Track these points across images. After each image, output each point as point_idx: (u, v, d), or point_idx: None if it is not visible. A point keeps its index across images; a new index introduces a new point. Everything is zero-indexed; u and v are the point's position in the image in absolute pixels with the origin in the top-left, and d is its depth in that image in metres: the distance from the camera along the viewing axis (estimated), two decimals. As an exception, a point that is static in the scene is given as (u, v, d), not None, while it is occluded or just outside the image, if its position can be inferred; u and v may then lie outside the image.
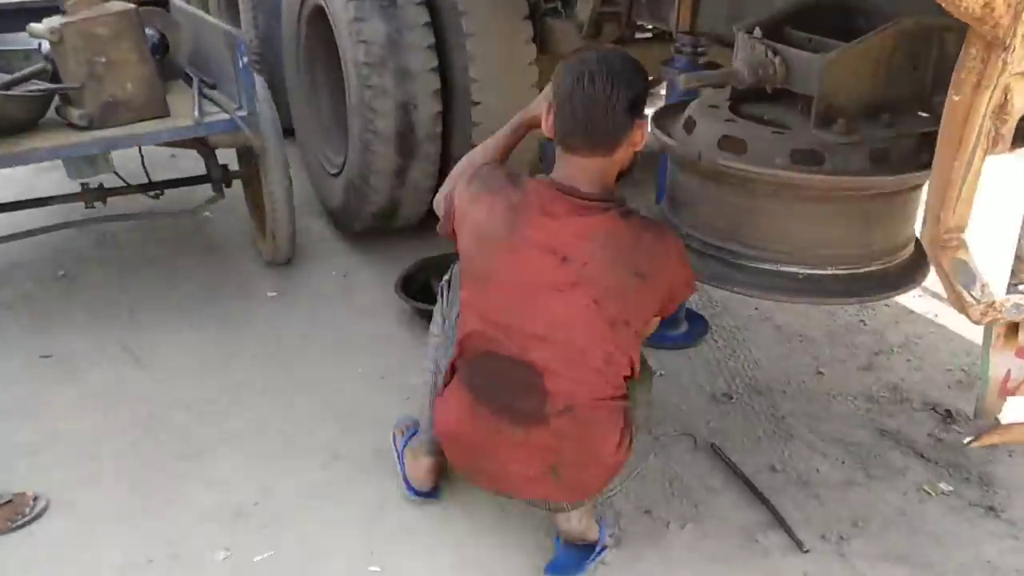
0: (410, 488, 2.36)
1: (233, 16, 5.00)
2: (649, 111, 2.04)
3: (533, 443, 1.95)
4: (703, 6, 2.80)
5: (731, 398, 2.82)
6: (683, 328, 3.16)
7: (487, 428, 1.99)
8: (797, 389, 2.88)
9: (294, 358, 3.04)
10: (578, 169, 1.91)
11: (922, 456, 2.56)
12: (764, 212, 2.04)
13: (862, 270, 2.07)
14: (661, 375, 2.92)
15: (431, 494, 2.37)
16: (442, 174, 3.45)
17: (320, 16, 3.58)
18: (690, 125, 2.16)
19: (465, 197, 2.03)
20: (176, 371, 2.96)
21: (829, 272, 2.06)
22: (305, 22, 3.78)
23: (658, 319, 2.05)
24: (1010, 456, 2.57)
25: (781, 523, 2.28)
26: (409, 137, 3.30)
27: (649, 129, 2.01)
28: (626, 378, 1.97)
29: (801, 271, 2.06)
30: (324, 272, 3.63)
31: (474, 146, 2.48)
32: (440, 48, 3.29)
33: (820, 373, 2.97)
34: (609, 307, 1.88)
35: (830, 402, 2.81)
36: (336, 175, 3.72)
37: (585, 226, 1.88)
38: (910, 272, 2.12)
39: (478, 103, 3.29)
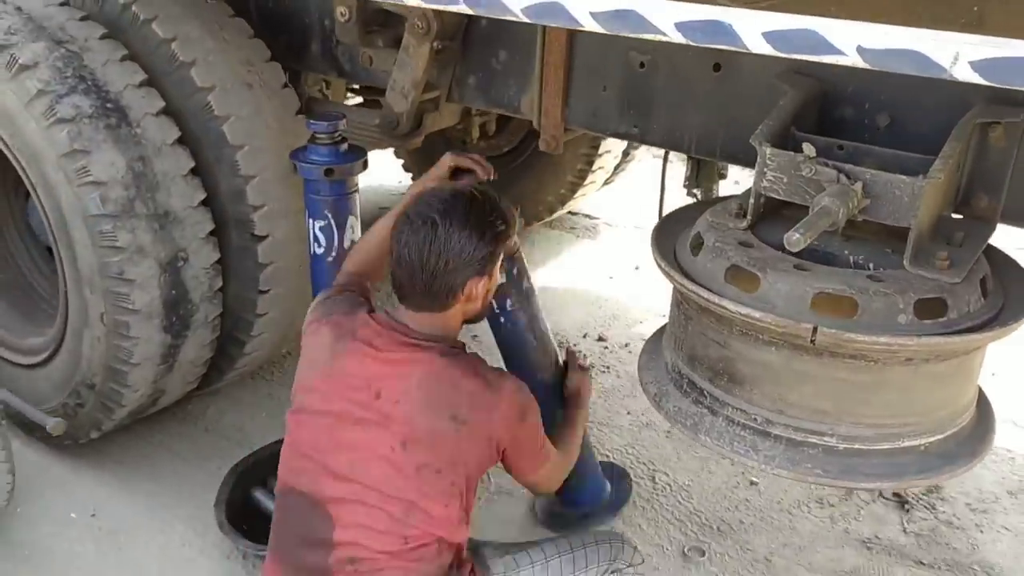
0: None
1: None
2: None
3: None
4: (577, 91, 2.24)
5: (703, 553, 2.34)
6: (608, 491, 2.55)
7: None
8: (748, 512, 2.50)
9: None
10: (413, 316, 1.78)
11: (921, 563, 2.34)
12: (888, 384, 1.57)
13: (966, 422, 1.72)
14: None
15: None
16: (222, 337, 2.48)
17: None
18: (746, 279, 1.62)
19: (305, 323, 1.89)
20: None
21: (949, 434, 1.67)
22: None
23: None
24: (981, 532, 2.46)
25: None
26: (182, 305, 2.27)
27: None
28: (444, 543, 1.75)
29: (922, 442, 1.64)
30: (58, 518, 2.41)
31: (263, 292, 2.38)
32: (199, 171, 2.30)
33: (754, 483, 2.62)
34: (417, 452, 1.70)
35: (791, 520, 2.48)
36: (33, 367, 2.50)
37: (403, 364, 1.73)
38: (988, 405, 1.82)
39: (264, 237, 2.37)
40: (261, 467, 2.40)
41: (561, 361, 2.31)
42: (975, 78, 0.87)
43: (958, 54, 0.87)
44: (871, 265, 1.69)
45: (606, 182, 4.28)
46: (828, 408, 1.61)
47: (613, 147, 4.02)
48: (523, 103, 2.34)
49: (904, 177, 1.57)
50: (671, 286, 1.84)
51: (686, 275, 1.71)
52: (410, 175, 4.45)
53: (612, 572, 1.99)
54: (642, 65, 2.12)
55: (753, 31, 0.99)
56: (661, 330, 2.02)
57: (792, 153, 1.65)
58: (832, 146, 1.74)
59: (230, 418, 2.84)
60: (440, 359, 1.73)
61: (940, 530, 2.45)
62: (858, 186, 1.58)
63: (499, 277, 1.88)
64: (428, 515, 1.71)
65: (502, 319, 2.24)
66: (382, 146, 2.56)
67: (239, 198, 2.32)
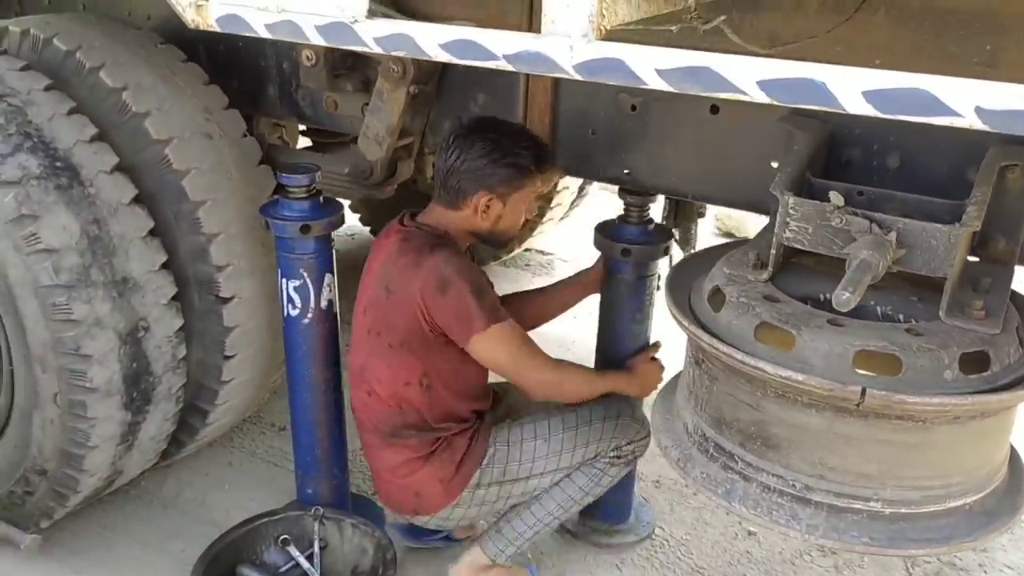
0: None
1: None
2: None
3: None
4: (564, 135, 2.13)
5: (709, 610, 2.24)
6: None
7: None
8: (751, 566, 2.41)
9: None
10: (432, 208, 2.06)
11: None
12: (935, 444, 1.49)
13: (1003, 477, 1.65)
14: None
15: None
16: (186, 409, 2.29)
17: None
18: (778, 336, 1.52)
19: None
20: None
21: (990, 491, 1.60)
22: None
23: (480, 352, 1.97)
24: (985, 572, 2.41)
25: None
26: (144, 379, 2.07)
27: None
28: (404, 402, 2.02)
29: (966, 502, 1.57)
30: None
31: (229, 358, 2.25)
32: (159, 231, 2.11)
33: (752, 534, 2.53)
34: (368, 317, 2.04)
35: (796, 571, 2.40)
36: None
37: (385, 247, 2.03)
38: (1017, 455, 1.76)
39: (229, 298, 2.19)
40: (232, 550, 2.20)
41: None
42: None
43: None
44: (901, 316, 1.61)
45: (561, 218, 4.20)
46: (872, 471, 1.51)
47: (571, 184, 3.93)
48: (504, 150, 2.22)
49: (940, 225, 1.49)
50: (687, 342, 1.75)
51: (710, 333, 1.61)
52: (368, 229, 4.26)
53: (614, 449, 2.12)
54: (633, 108, 2.02)
55: (853, 91, 0.89)
56: (671, 387, 1.92)
57: (818, 202, 1.56)
58: (852, 192, 1.67)
59: (190, 492, 2.63)
60: (399, 241, 2.00)
61: (945, 573, 2.40)
62: (892, 236, 1.50)
63: (521, 215, 2.06)
64: (376, 374, 2.04)
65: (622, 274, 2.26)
66: (352, 196, 2.41)
67: (202, 257, 2.15)
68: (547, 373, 2.03)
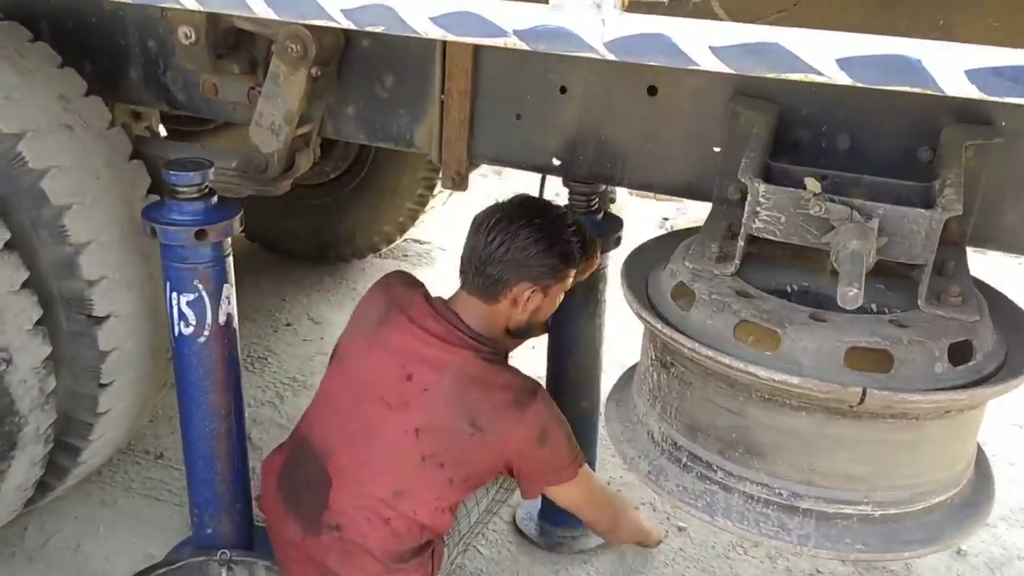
0: None
1: None
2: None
3: (307, 547, 1.86)
4: (484, 119, 1.95)
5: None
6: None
7: (279, 516, 1.92)
8: (688, 564, 2.33)
9: None
10: (464, 302, 1.86)
11: None
12: (925, 440, 1.42)
13: (973, 467, 1.61)
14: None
15: None
16: (55, 448, 1.97)
17: None
18: (759, 335, 1.41)
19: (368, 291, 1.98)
20: None
21: (966, 482, 1.55)
22: None
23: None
24: (907, 546, 2.44)
25: None
26: (7, 421, 1.74)
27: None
28: (427, 529, 1.81)
29: (948, 496, 1.50)
30: None
31: (105, 386, 1.90)
32: (15, 244, 1.77)
33: (682, 529, 2.45)
34: (428, 442, 1.76)
35: (731, 565, 2.34)
36: None
37: (442, 353, 1.79)
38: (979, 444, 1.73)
39: (104, 318, 1.88)
40: None
41: None
42: None
43: None
44: (873, 307, 1.54)
45: (443, 204, 3.99)
46: (863, 473, 1.43)
47: (453, 170, 3.73)
48: (417, 136, 2.01)
49: (923, 211, 1.42)
50: (647, 342, 1.62)
51: (682, 333, 1.48)
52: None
53: (501, 488, 2.00)
54: (563, 90, 1.86)
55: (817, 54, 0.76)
56: (621, 388, 1.79)
57: (793, 190, 1.46)
58: (819, 178, 1.57)
59: (59, 540, 2.28)
60: (479, 361, 1.77)
61: (871, 552, 2.41)
62: (874, 223, 1.42)
63: (555, 305, 1.90)
64: (415, 502, 1.77)
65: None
66: (241, 194, 2.12)
67: (69, 272, 1.83)
68: (610, 512, 2.08)
